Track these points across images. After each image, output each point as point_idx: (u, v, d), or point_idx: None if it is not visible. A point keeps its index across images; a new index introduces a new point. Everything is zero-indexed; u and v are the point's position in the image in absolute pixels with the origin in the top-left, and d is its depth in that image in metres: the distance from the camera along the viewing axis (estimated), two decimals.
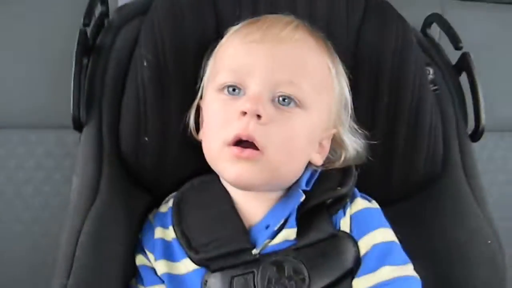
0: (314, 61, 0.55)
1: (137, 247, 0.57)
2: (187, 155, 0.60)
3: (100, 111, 0.59)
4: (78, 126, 0.59)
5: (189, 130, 0.59)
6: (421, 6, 0.90)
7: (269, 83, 0.52)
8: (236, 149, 0.51)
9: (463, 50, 0.68)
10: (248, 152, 0.50)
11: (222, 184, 0.57)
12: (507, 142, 0.99)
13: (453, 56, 0.70)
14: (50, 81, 0.84)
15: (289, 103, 0.52)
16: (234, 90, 0.53)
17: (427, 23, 0.73)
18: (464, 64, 0.67)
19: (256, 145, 0.50)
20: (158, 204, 0.61)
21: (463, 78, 0.68)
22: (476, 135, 0.65)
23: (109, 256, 0.53)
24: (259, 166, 0.51)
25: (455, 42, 0.67)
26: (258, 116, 0.50)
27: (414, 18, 0.71)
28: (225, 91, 0.53)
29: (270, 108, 0.51)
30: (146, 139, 0.58)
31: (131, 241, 0.57)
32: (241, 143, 0.51)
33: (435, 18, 0.72)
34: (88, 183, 0.55)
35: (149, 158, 0.59)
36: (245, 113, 0.50)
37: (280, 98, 0.52)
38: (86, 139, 0.58)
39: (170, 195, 0.60)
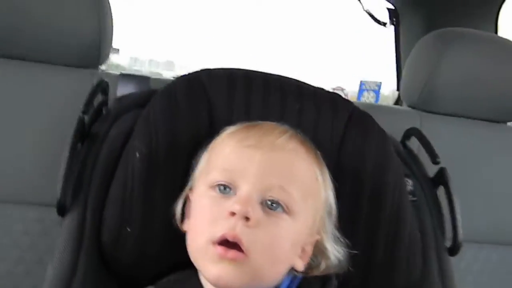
0: (304, 170, 0.57)
1: None
2: (167, 249, 0.60)
3: (86, 198, 0.60)
4: (62, 210, 0.59)
5: (174, 220, 0.59)
6: (401, 119, 0.96)
7: (260, 187, 0.54)
8: (221, 249, 0.51)
9: (441, 163, 0.72)
10: (233, 253, 0.51)
11: (199, 282, 0.56)
12: (484, 254, 1.00)
13: (432, 168, 0.74)
14: (39, 158, 0.85)
15: (276, 208, 0.54)
16: (225, 189, 0.55)
17: (407, 135, 0.77)
18: (441, 178, 0.70)
19: (241, 247, 0.51)
20: None
21: (441, 191, 0.71)
22: (454, 249, 0.66)
23: None
24: (242, 268, 0.51)
25: (433, 157, 0.70)
26: (247, 218, 0.51)
27: (394, 130, 0.75)
28: (217, 189, 0.55)
29: (258, 211, 0.53)
30: (128, 229, 0.58)
31: None
32: (227, 243, 0.51)
33: (414, 132, 0.76)
34: (61, 275, 0.54)
35: (128, 250, 0.59)
36: (234, 213, 0.52)
37: (269, 202, 0.54)
38: (68, 225, 0.58)
39: None
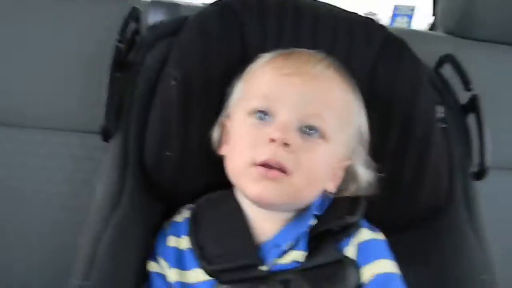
0: (340, 98, 0.59)
1: (150, 254, 0.60)
2: (205, 170, 0.64)
3: (128, 124, 0.63)
4: (106, 136, 0.62)
5: (212, 145, 0.62)
6: (435, 45, 0.94)
7: (298, 114, 0.56)
8: (262, 169, 0.54)
9: (473, 91, 0.71)
10: (274, 172, 0.54)
11: (237, 200, 0.60)
12: (511, 180, 1.01)
13: (464, 95, 0.73)
14: (77, 87, 0.88)
15: (313, 134, 0.56)
16: (264, 115, 0.57)
17: (440, 62, 0.76)
18: (473, 105, 0.70)
19: (285, 170, 0.54)
20: (172, 213, 0.64)
21: (471, 118, 0.71)
22: (480, 174, 0.68)
23: (125, 263, 0.56)
24: (281, 187, 0.54)
25: (466, 84, 0.70)
26: (286, 144, 0.54)
27: (429, 56, 0.74)
28: (256, 115, 0.57)
29: (297, 137, 0.55)
30: (168, 154, 0.62)
31: (146, 248, 0.60)
32: (267, 165, 0.54)
33: (448, 59, 0.75)
34: (111, 192, 0.59)
35: (170, 171, 0.63)
36: (273, 140, 0.54)
37: (307, 129, 0.56)
38: (113, 150, 0.62)
39: (185, 206, 0.63)
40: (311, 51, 0.61)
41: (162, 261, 0.59)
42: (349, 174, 0.61)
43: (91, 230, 0.56)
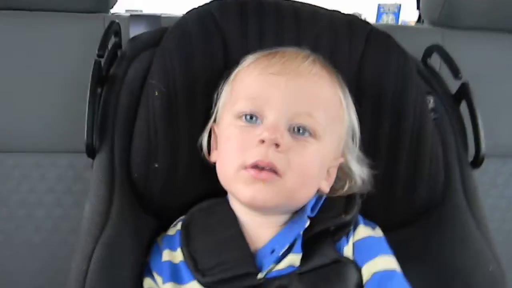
0: (328, 94, 0.58)
1: (145, 271, 0.59)
2: (194, 180, 0.62)
3: (113, 139, 0.62)
4: (91, 153, 0.61)
5: (202, 153, 0.61)
6: (422, 37, 0.93)
7: (287, 114, 0.54)
8: (253, 171, 0.53)
9: (463, 79, 0.70)
10: (266, 173, 0.53)
11: (230, 207, 0.59)
12: (509, 167, 1.00)
13: (454, 84, 0.72)
14: (63, 107, 0.87)
15: (304, 133, 0.55)
16: (252, 118, 0.56)
17: (428, 53, 0.75)
18: (464, 93, 0.69)
19: (276, 171, 0.53)
20: (165, 228, 0.62)
21: (463, 106, 0.70)
22: (476, 162, 0.67)
23: (119, 281, 0.55)
24: (275, 188, 0.53)
25: (455, 72, 0.69)
26: (276, 145, 0.53)
27: (416, 49, 0.73)
28: (243, 118, 0.56)
29: (287, 137, 0.54)
30: (156, 165, 0.61)
31: (140, 265, 0.59)
32: (258, 167, 0.53)
33: (436, 49, 0.74)
34: (99, 210, 0.57)
35: (158, 184, 0.61)
36: (263, 141, 0.53)
37: (296, 128, 0.55)
38: (99, 165, 0.61)
39: (179, 219, 0.62)
40: (295, 48, 0.60)
41: (157, 277, 0.58)
42: (343, 172, 0.60)
43: (81, 251, 0.55)
